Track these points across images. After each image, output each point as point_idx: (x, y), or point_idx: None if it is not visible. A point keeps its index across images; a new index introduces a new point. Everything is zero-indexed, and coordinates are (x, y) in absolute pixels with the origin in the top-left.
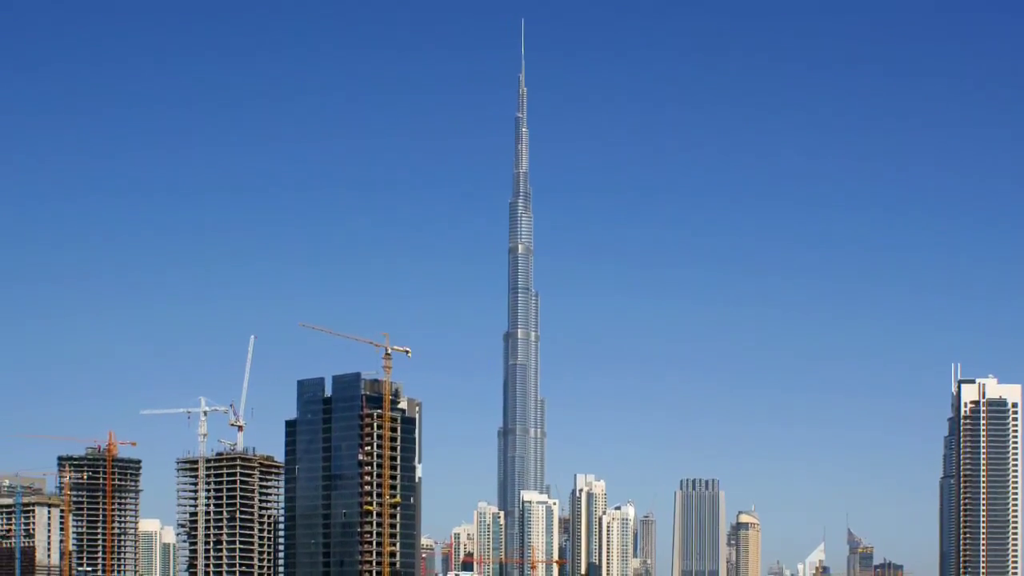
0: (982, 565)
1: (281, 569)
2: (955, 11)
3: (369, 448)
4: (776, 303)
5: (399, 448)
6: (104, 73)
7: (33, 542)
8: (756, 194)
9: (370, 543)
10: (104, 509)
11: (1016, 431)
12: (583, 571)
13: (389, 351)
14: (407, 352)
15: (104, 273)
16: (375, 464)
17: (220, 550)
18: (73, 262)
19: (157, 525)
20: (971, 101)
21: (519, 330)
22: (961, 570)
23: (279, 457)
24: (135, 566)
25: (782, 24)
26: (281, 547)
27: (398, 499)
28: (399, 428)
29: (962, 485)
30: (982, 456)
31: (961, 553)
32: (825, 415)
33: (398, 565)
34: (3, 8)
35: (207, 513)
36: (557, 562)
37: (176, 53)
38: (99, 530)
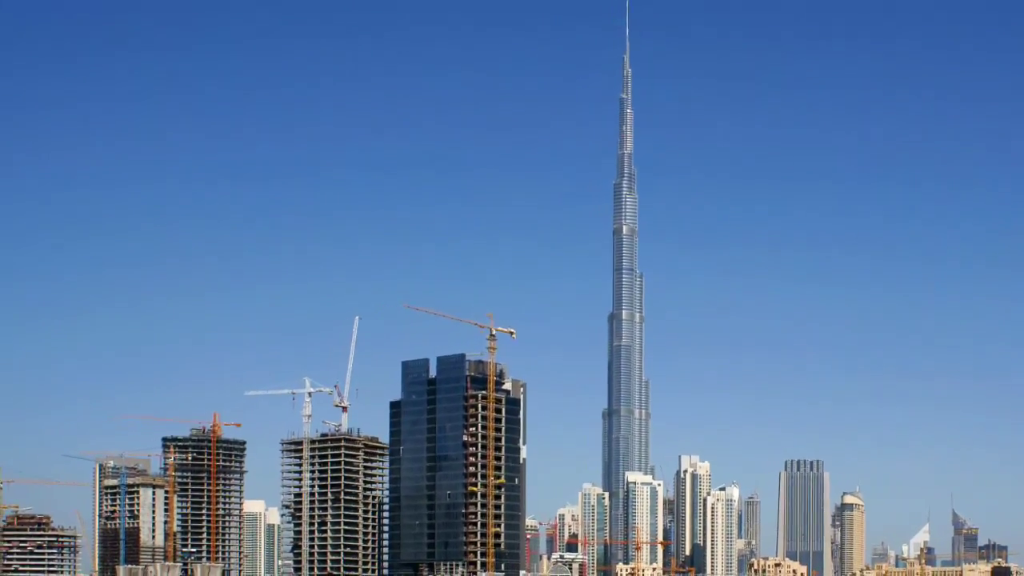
0: None
1: (386, 550)
2: None
3: (474, 429)
4: (880, 284)
5: (504, 429)
6: (197, 50)
7: (138, 523)
8: (861, 176)
9: (474, 524)
10: (208, 490)
11: None
12: (688, 552)
13: (494, 332)
14: (512, 333)
15: (210, 255)
16: (479, 445)
17: (325, 531)
18: (179, 245)
19: (262, 506)
20: None
21: (624, 311)
22: None
23: (384, 438)
24: (239, 547)
25: (889, 5)
26: (386, 528)
27: (503, 480)
28: (504, 409)
29: None
30: None
31: None
32: (929, 396)
33: (503, 546)
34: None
35: (312, 494)
36: (662, 543)
37: (270, 32)
38: (203, 511)
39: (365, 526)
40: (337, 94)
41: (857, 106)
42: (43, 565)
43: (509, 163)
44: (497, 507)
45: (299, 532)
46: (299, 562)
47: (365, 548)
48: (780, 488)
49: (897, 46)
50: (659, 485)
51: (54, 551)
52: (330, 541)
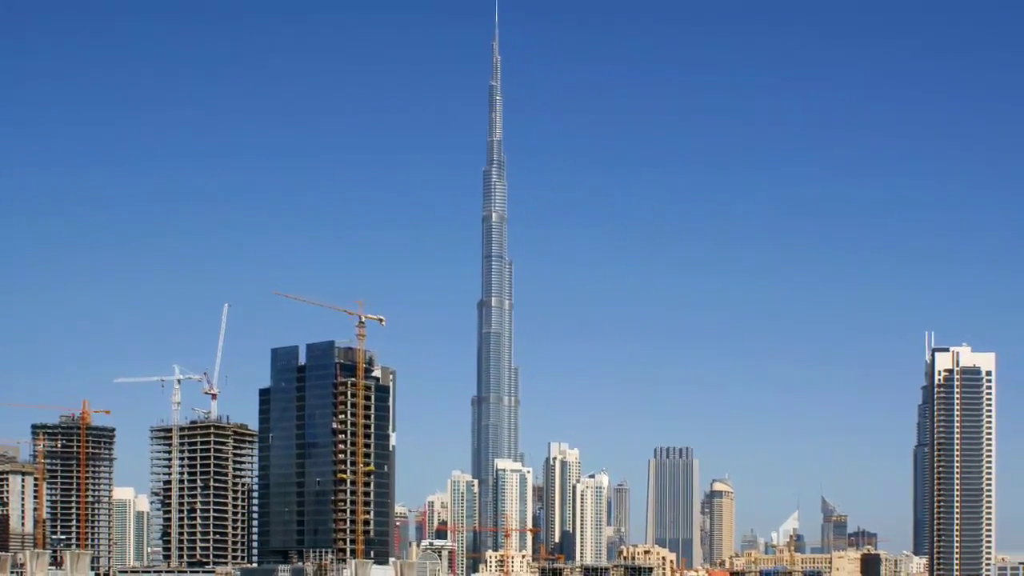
0: (956, 533)
1: (255, 537)
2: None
3: (343, 416)
4: (750, 270)
5: (373, 416)
6: (80, 39)
7: (7, 510)
8: (729, 161)
9: (344, 511)
10: (78, 477)
11: (990, 399)
12: (557, 539)
13: (363, 319)
14: (381, 320)
15: (78, 242)
16: (349, 432)
17: (194, 518)
18: (47, 232)
19: (131, 494)
20: (954, 70)
21: (493, 298)
22: (935, 538)
23: (253, 425)
24: (109, 534)
25: None
26: (255, 515)
27: (372, 467)
28: (373, 396)
29: (936, 453)
30: (956, 425)
31: (935, 521)
32: (799, 384)
33: (372, 533)
34: None
35: (181, 481)
36: (531, 530)
37: (148, 20)
38: (73, 498)
39: (234, 513)
40: (203, 81)
41: (727, 91)
42: None
43: (378, 149)
44: (366, 494)
45: (168, 519)
46: (168, 549)
47: (234, 535)
48: (650, 475)
49: (768, 30)
50: (528, 472)
51: None
52: (199, 528)
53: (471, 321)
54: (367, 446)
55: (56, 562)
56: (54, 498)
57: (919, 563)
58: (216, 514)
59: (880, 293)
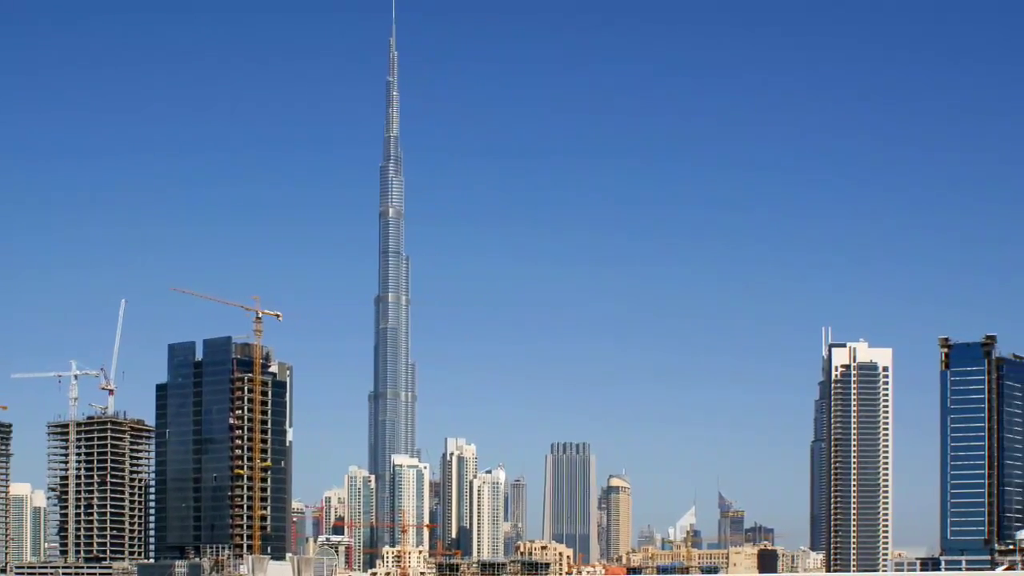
0: (853, 529)
1: (152, 532)
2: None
3: (240, 412)
4: (646, 265)
5: (270, 412)
6: None
7: None
8: (625, 155)
9: (241, 507)
10: None
11: (887, 395)
12: (454, 535)
13: (260, 315)
14: (278, 316)
15: None
16: (246, 428)
17: (91, 514)
18: None
19: (28, 489)
20: (851, 70)
21: (390, 294)
22: (832, 533)
23: (150, 421)
24: (5, 530)
25: None
26: (152, 511)
27: (269, 463)
28: (270, 392)
29: (833, 449)
30: (853, 420)
31: (832, 516)
32: (696, 378)
33: (269, 529)
34: None
35: (78, 477)
36: (428, 526)
37: (50, 15)
38: None
39: (131, 509)
40: (99, 77)
41: (625, 86)
42: None
43: (275, 145)
44: (263, 490)
45: (65, 515)
46: (65, 545)
47: (131, 531)
48: (547, 470)
49: (665, 25)
50: (425, 468)
51: None
52: (96, 524)
53: (368, 317)
54: (264, 442)
55: None
56: None
57: (816, 558)
58: (113, 510)
59: (777, 288)
